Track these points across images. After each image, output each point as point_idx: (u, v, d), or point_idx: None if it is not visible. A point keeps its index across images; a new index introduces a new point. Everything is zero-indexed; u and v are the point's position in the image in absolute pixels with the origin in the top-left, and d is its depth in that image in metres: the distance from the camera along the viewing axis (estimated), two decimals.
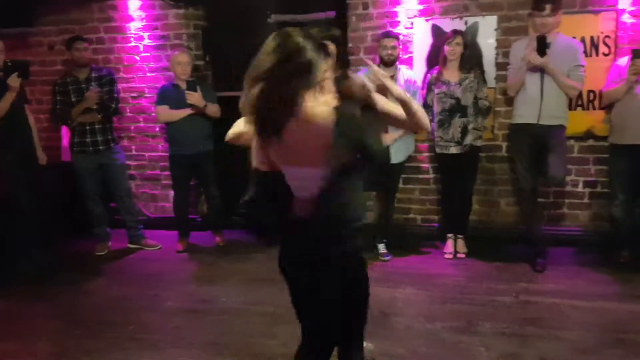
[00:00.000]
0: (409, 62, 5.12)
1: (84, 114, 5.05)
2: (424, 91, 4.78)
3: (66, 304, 4.24)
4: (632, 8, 4.66)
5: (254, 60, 1.90)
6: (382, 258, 4.88)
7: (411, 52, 5.16)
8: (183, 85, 5.06)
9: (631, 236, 4.61)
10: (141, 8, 5.73)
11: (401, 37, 4.93)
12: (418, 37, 5.12)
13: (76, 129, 5.11)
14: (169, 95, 5.08)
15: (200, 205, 5.87)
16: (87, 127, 5.09)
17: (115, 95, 5.20)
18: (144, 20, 5.75)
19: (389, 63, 4.60)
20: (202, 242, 5.51)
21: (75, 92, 5.04)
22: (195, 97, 4.96)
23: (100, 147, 5.13)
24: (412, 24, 5.12)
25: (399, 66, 4.73)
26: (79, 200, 5.31)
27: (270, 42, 1.90)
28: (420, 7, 5.07)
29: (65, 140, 5.59)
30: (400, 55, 4.89)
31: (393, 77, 4.64)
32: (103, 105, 5.07)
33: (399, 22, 5.15)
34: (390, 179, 4.81)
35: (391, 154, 4.62)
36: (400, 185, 5.14)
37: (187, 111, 5.01)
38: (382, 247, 4.94)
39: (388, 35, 4.65)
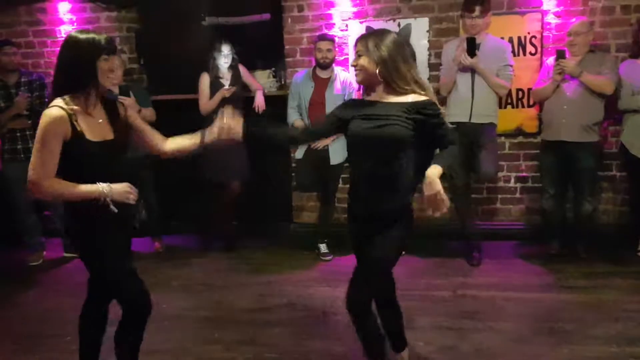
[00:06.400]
0: (344, 64, 5.18)
1: (14, 120, 4.88)
2: (360, 92, 4.84)
3: None
4: (557, 9, 4.86)
5: None
6: (324, 258, 4.93)
7: (347, 54, 5.21)
8: (115, 90, 4.95)
9: (561, 228, 4.79)
10: (71, 11, 5.57)
11: (337, 40, 4.99)
12: (353, 39, 5.14)
13: (6, 136, 4.92)
14: None
15: (138, 211, 5.75)
16: (18, 134, 4.91)
17: (46, 100, 5.03)
18: (75, 24, 5.59)
19: (325, 66, 4.66)
20: (140, 249, 5.36)
21: (4, 98, 4.86)
22: (128, 103, 4.85)
23: None
24: (347, 26, 5.18)
25: (335, 68, 4.79)
26: (10, 209, 5.12)
27: None
28: (354, 9, 5.14)
29: None
30: (337, 58, 4.95)
31: (330, 80, 4.70)
32: (34, 111, 4.90)
33: (334, 24, 5.20)
34: (330, 180, 4.86)
35: (330, 155, 4.68)
36: (340, 185, 5.18)
37: None
38: (323, 247, 4.99)
39: (324, 38, 4.70)
